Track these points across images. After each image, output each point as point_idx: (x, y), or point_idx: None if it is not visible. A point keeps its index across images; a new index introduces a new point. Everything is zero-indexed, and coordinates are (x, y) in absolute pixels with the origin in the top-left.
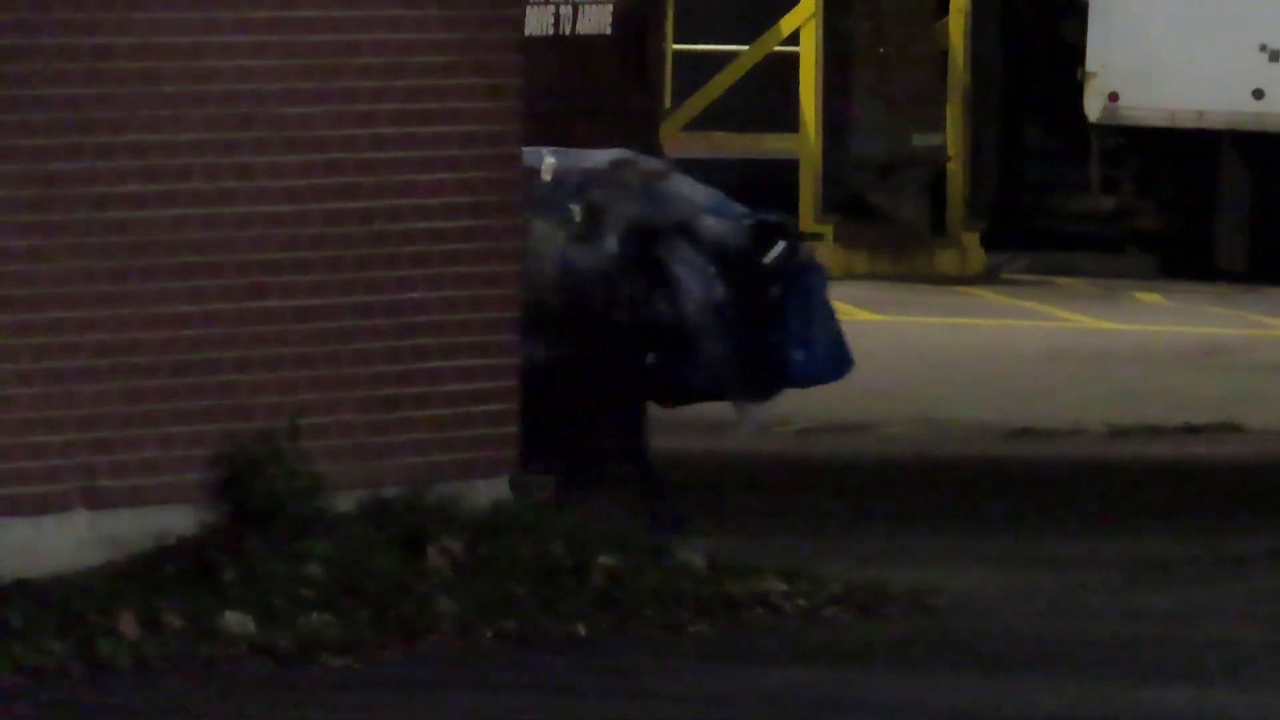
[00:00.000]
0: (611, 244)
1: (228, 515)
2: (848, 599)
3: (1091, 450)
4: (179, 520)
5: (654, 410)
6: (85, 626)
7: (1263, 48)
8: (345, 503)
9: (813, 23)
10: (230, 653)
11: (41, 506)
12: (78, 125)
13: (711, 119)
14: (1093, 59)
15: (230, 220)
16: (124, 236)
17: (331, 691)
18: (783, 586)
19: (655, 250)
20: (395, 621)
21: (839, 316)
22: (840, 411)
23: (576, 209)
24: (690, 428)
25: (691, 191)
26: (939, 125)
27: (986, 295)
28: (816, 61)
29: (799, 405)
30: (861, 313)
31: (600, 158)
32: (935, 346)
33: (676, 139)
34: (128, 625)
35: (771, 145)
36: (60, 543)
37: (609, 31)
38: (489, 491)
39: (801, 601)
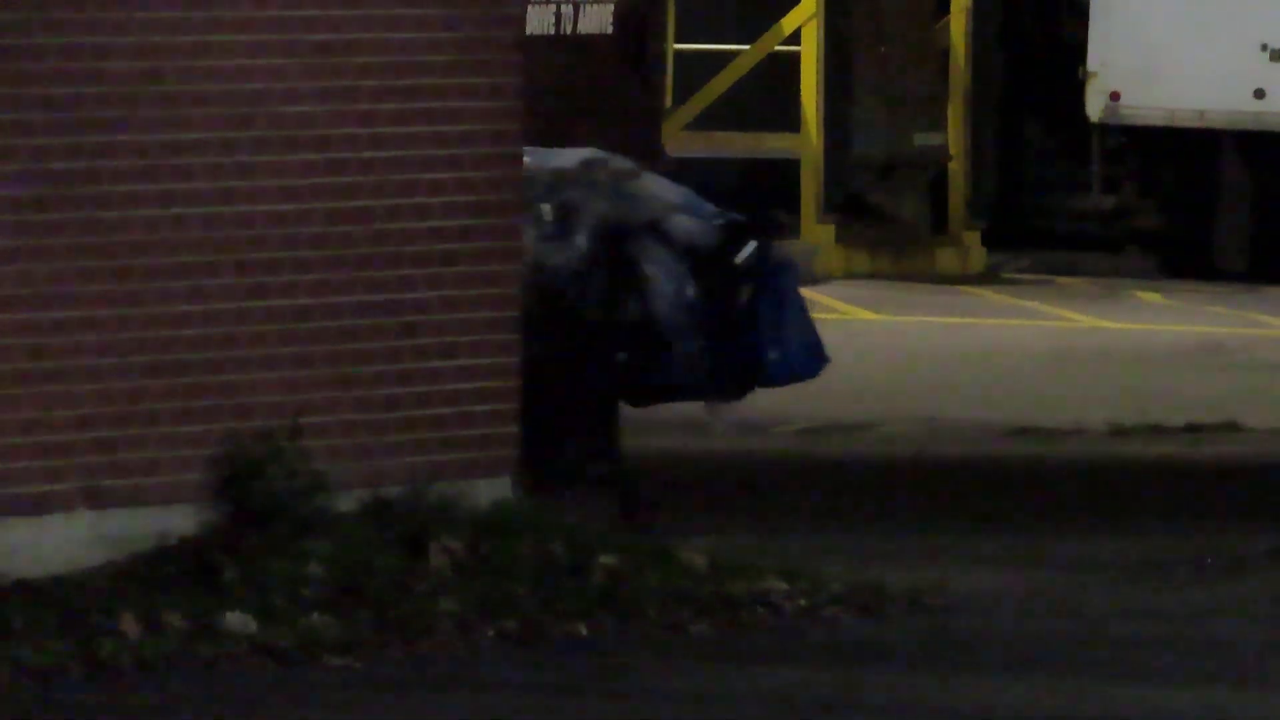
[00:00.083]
0: (582, 243)
1: (228, 515)
2: (848, 599)
3: (1092, 450)
4: (180, 520)
5: (656, 411)
6: (86, 626)
7: (1264, 47)
8: (346, 502)
9: (814, 22)
10: (231, 652)
11: (42, 506)
12: (78, 125)
13: (712, 118)
14: (1093, 58)
15: (230, 220)
16: (124, 236)
17: (332, 691)
18: (783, 586)
19: (626, 249)
20: (396, 621)
21: (840, 315)
22: (840, 411)
23: (547, 208)
24: (689, 428)
25: (662, 191)
26: (940, 125)
27: (987, 295)
28: (817, 61)
29: (799, 406)
30: (862, 312)
31: (571, 157)
32: (936, 346)
33: (677, 138)
34: (128, 625)
35: (772, 145)
36: (61, 543)
37: (610, 31)
38: (490, 491)
39: (802, 601)
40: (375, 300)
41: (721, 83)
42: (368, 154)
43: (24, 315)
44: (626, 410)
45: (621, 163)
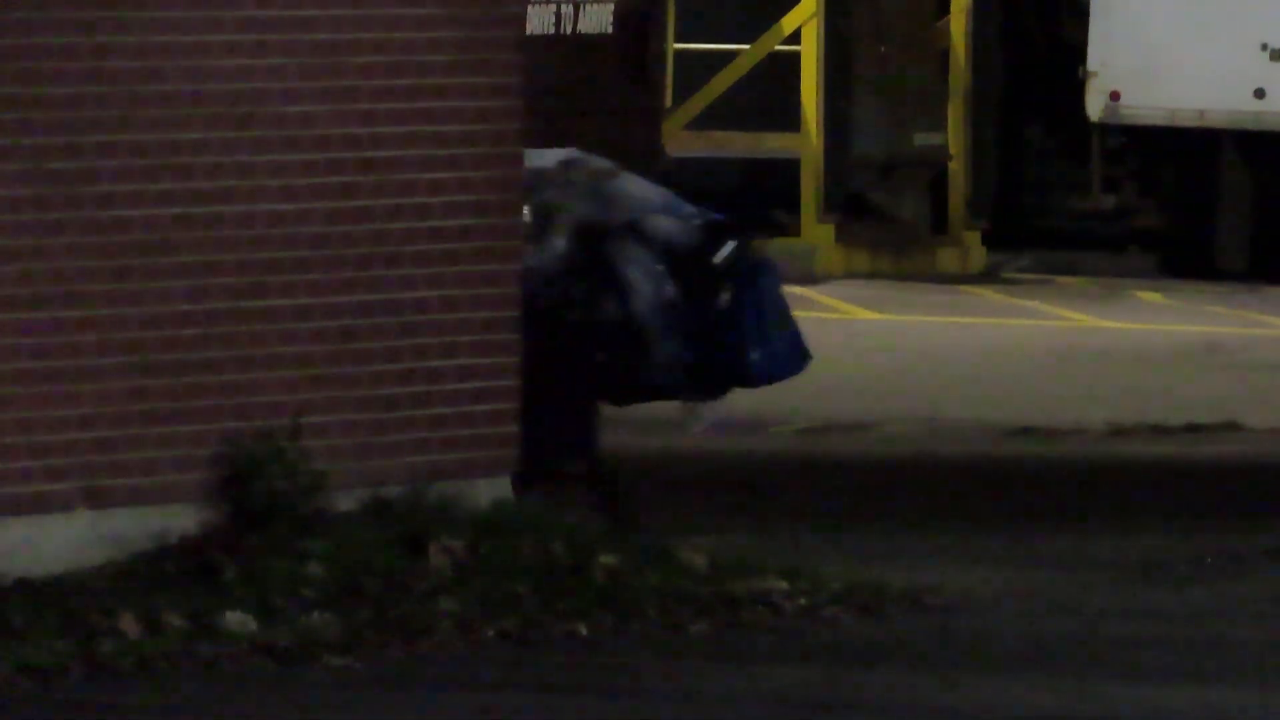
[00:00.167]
0: (560, 243)
1: (228, 515)
2: (848, 598)
3: (1092, 449)
4: (180, 519)
5: (655, 411)
6: (86, 626)
7: (1264, 47)
8: (346, 502)
9: (814, 22)
10: (231, 652)
11: (42, 506)
12: (78, 125)
13: (713, 118)
14: (1094, 58)
15: (231, 219)
16: (124, 235)
17: (332, 691)
18: (783, 585)
19: (604, 249)
20: (396, 621)
21: (840, 315)
22: (840, 411)
23: (525, 209)
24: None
25: (641, 191)
26: (940, 124)
27: (987, 294)
28: (818, 60)
29: (799, 405)
30: (863, 312)
31: (549, 157)
32: (936, 345)
33: (678, 138)
34: (128, 625)
35: (773, 144)
36: (61, 542)
37: (610, 31)
38: (490, 490)
39: (802, 601)
40: (375, 300)
41: (721, 82)
42: (368, 154)
43: (24, 315)
44: (627, 410)
45: (600, 163)
